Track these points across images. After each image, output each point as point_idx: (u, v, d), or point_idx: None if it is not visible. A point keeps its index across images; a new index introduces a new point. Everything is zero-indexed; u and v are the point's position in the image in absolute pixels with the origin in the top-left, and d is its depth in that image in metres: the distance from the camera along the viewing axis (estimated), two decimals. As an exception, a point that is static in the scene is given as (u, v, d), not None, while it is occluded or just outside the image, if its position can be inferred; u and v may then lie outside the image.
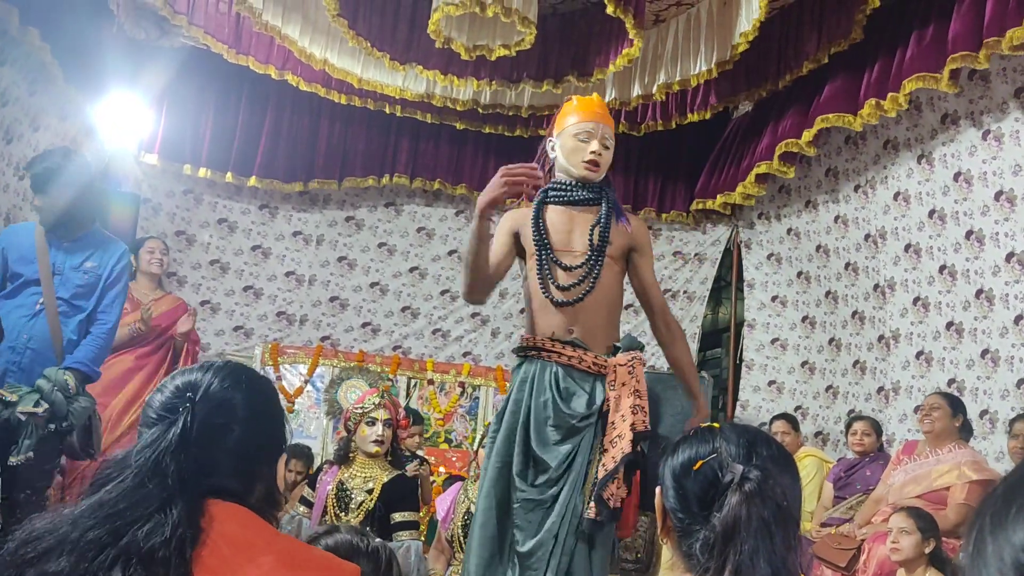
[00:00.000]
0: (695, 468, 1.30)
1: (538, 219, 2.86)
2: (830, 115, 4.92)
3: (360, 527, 2.16)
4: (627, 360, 2.70)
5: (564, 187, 2.88)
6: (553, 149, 2.92)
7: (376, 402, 3.57)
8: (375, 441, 3.48)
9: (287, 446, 1.52)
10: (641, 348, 2.82)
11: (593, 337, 2.75)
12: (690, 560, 1.27)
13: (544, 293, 2.77)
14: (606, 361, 2.70)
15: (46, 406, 3.27)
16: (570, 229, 2.84)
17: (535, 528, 2.59)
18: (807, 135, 5.08)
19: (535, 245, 2.83)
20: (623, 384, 2.66)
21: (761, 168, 5.61)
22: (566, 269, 2.78)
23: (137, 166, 6.48)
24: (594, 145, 2.82)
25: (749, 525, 1.21)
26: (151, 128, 6.35)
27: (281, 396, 6.72)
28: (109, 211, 5.60)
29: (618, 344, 2.78)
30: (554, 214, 2.88)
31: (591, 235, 2.79)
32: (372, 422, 3.52)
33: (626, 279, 2.93)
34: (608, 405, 2.66)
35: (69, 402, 3.37)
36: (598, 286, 2.76)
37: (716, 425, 1.39)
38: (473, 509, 3.60)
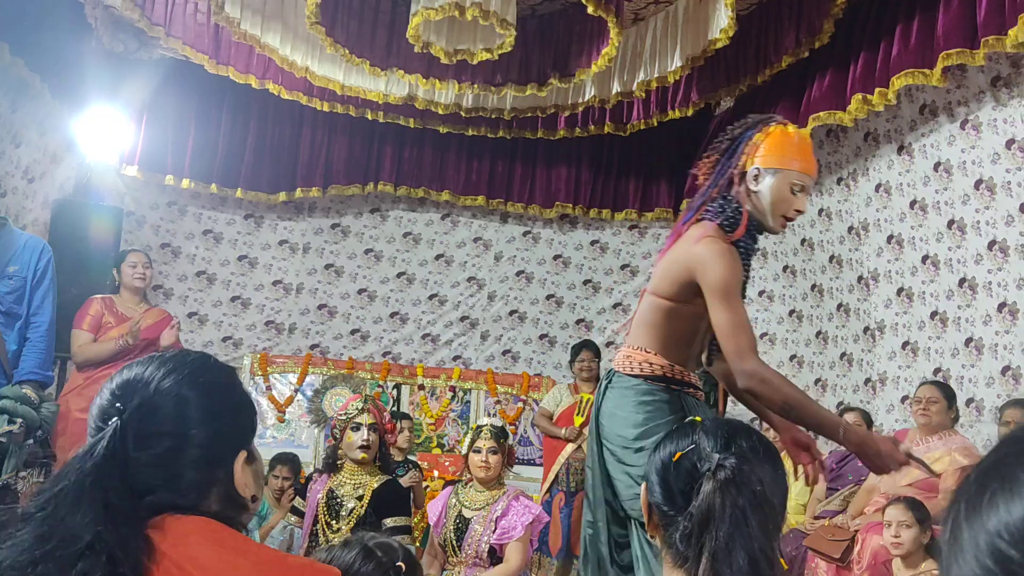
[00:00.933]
0: (675, 460, 1.32)
1: (746, 275, 2.49)
2: (821, 113, 4.92)
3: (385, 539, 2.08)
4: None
5: (749, 242, 2.51)
6: (758, 180, 2.46)
7: (359, 407, 3.56)
8: (361, 446, 3.47)
9: (250, 444, 1.32)
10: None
11: (697, 363, 2.68)
12: (672, 551, 1.29)
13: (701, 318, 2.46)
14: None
15: (20, 421, 3.25)
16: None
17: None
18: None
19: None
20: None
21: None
22: None
23: (119, 179, 6.46)
24: (801, 201, 2.46)
25: (723, 513, 1.22)
26: (132, 140, 6.32)
27: (271, 406, 6.69)
28: (91, 225, 5.58)
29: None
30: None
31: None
32: (357, 427, 3.51)
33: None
34: None
35: (37, 412, 3.36)
36: None
37: (698, 420, 1.41)
38: (465, 513, 3.61)
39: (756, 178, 2.44)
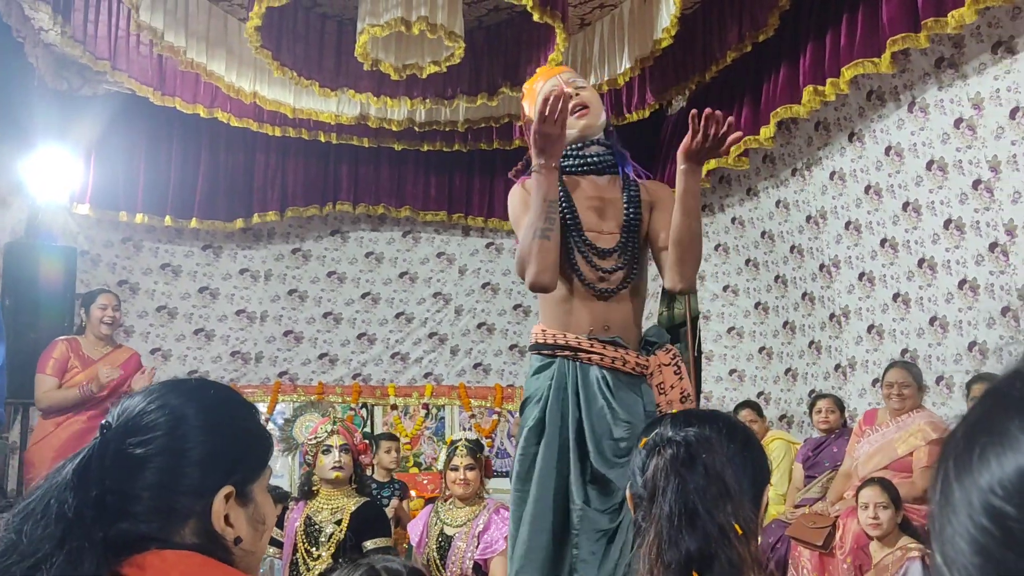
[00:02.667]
0: (640, 446, 1.36)
1: (566, 193, 2.42)
2: (779, 108, 4.95)
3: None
4: (670, 359, 2.37)
5: (571, 152, 2.47)
6: None
7: (329, 429, 3.52)
8: (334, 467, 3.43)
9: (255, 480, 1.17)
10: (669, 341, 2.48)
11: (628, 332, 2.39)
12: (638, 531, 1.32)
13: (583, 282, 2.36)
14: (647, 360, 2.36)
15: None
16: (600, 206, 2.44)
17: (599, 559, 2.21)
18: (766, 131, 5.09)
19: (563, 225, 2.38)
20: (672, 387, 2.34)
21: (711, 164, 5.63)
22: (601, 255, 2.38)
23: (71, 218, 6.34)
24: (566, 91, 2.38)
25: (667, 485, 1.26)
26: (81, 178, 6.21)
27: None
28: (44, 267, 5.46)
29: (651, 339, 2.43)
30: (576, 186, 2.45)
31: (626, 213, 2.41)
32: (328, 450, 3.47)
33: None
34: (660, 411, 2.29)
35: None
36: (638, 271, 2.42)
37: (673, 411, 1.44)
38: (447, 531, 3.56)
39: None
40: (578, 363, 2.33)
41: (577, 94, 2.44)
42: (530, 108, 2.55)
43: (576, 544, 2.23)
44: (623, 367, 2.31)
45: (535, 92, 2.56)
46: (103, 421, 1.12)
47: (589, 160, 2.46)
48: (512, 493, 2.36)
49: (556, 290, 2.38)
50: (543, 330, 2.41)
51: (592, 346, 2.33)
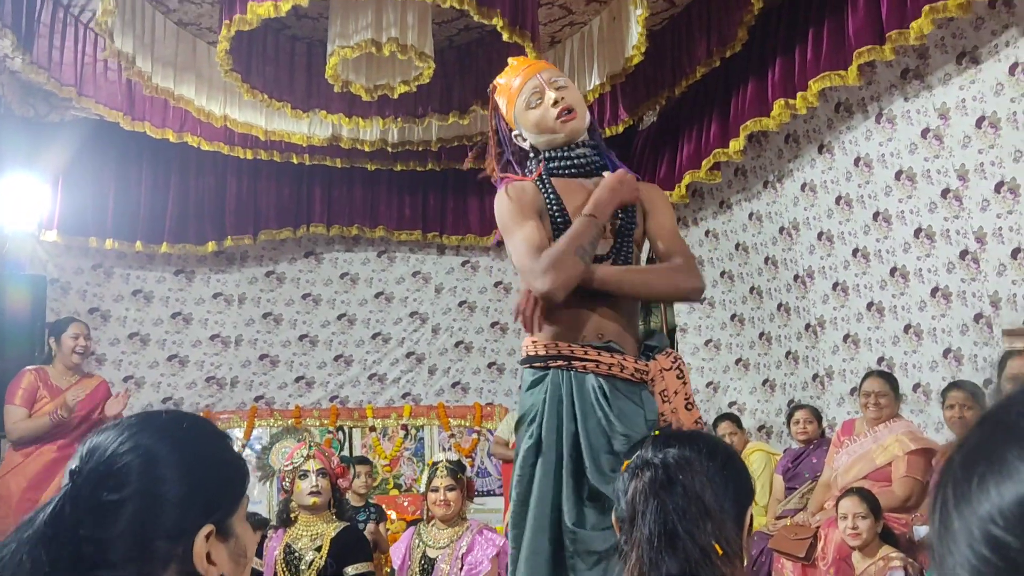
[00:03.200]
0: (623, 470, 1.36)
1: (557, 198, 2.32)
2: (748, 122, 5.00)
3: None
4: (671, 363, 2.25)
5: (559, 154, 2.38)
6: (519, 138, 2.44)
7: (305, 454, 3.49)
8: (311, 492, 3.39)
9: (233, 513, 1.14)
10: (669, 345, 2.36)
11: (624, 338, 2.26)
12: (621, 554, 1.32)
13: (575, 288, 2.23)
14: (646, 366, 2.23)
15: None
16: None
17: None
18: (735, 144, 5.13)
19: (554, 232, 2.29)
20: (675, 392, 2.22)
21: (687, 179, 5.67)
22: (593, 260, 2.26)
23: (39, 246, 6.25)
24: (550, 95, 2.34)
25: (646, 507, 1.26)
26: (49, 205, 6.13)
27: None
28: (11, 296, 5.38)
29: (651, 343, 2.32)
30: (565, 189, 2.35)
31: (619, 217, 2.33)
32: (304, 475, 3.44)
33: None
34: (664, 421, 2.20)
35: None
36: None
37: (656, 432, 1.42)
38: (429, 553, 3.52)
39: (522, 138, 2.44)
40: (572, 372, 2.21)
41: (562, 98, 2.34)
42: (505, 106, 2.45)
43: (572, 567, 2.12)
44: (621, 373, 2.19)
45: (510, 88, 2.42)
46: (72, 467, 1.07)
47: (577, 162, 2.37)
48: (510, 516, 2.26)
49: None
50: (533, 341, 2.28)
51: (587, 353, 2.20)
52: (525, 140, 2.43)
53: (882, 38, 4.09)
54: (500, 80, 2.48)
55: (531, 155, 2.44)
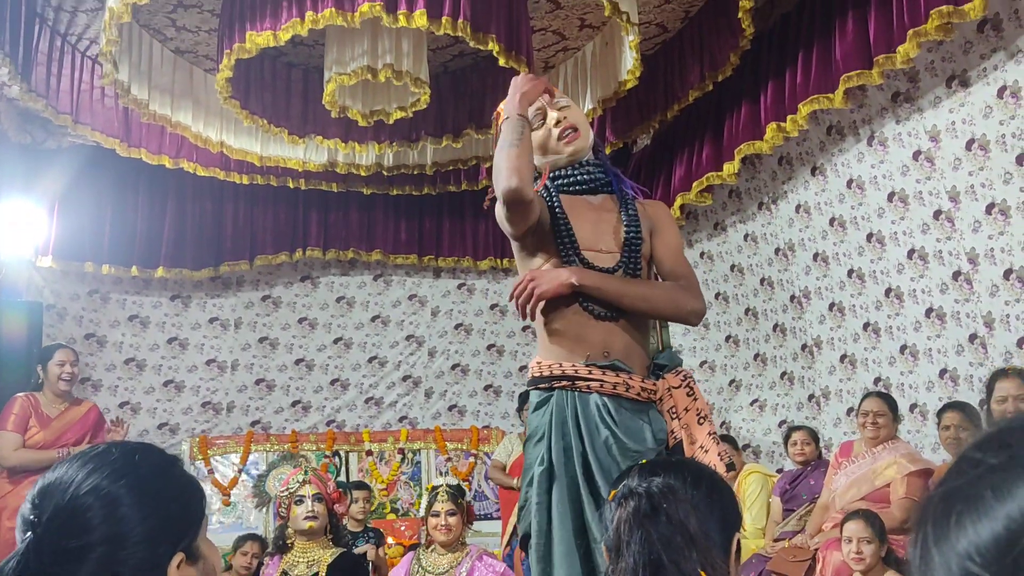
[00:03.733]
0: (609, 499, 1.37)
1: (562, 211, 2.27)
2: (742, 145, 5.05)
3: None
4: (680, 381, 2.21)
5: (565, 172, 2.35)
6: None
7: (301, 479, 3.49)
8: (306, 517, 3.39)
9: (195, 538, 1.15)
10: (681, 363, 2.34)
11: (631, 357, 2.21)
12: None
13: (582, 306, 2.20)
14: (654, 385, 2.19)
15: None
16: (595, 224, 2.30)
17: None
18: (730, 167, 5.18)
19: (558, 244, 2.24)
20: (686, 409, 2.18)
21: (679, 201, 5.71)
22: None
23: (35, 272, 6.25)
24: (552, 115, 2.33)
25: (631, 536, 1.26)
26: (45, 231, 6.14)
27: (215, 490, 6.46)
28: (7, 322, 5.37)
29: (661, 362, 2.27)
30: (571, 204, 2.31)
31: (627, 231, 2.29)
32: (300, 500, 3.44)
33: None
34: (675, 438, 2.16)
35: None
36: None
37: (644, 462, 1.44)
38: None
39: None
40: (576, 393, 2.17)
41: (564, 117, 2.32)
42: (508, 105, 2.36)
43: None
44: (626, 393, 2.13)
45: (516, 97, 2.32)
46: (27, 515, 1.05)
47: (582, 179, 2.34)
48: (534, 550, 2.18)
49: (552, 318, 2.23)
50: (539, 363, 2.25)
51: (591, 373, 2.15)
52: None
53: (870, 62, 4.16)
54: (502, 106, 2.42)
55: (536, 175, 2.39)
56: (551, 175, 2.35)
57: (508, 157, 2.11)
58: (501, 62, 4.52)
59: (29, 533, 1.03)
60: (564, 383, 2.18)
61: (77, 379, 4.81)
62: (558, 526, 2.12)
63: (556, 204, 2.28)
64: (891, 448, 4.14)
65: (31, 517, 1.04)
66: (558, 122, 2.31)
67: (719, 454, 2.10)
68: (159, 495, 1.11)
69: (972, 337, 4.26)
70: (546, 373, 2.22)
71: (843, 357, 5.20)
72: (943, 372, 4.47)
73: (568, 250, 2.23)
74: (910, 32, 3.86)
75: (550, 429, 2.18)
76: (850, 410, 5.10)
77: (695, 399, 2.19)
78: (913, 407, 4.65)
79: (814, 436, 4.95)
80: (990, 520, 0.51)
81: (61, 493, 1.05)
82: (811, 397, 5.50)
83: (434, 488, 3.65)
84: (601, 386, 2.14)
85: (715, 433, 2.19)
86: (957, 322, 4.34)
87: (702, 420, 2.18)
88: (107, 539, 1.04)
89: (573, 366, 2.18)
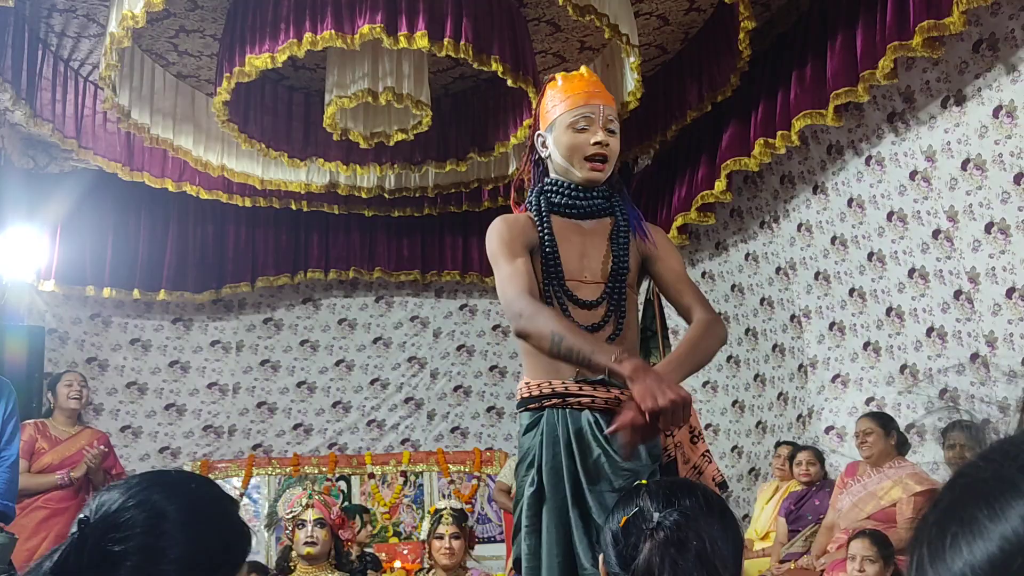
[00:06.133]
0: (621, 526, 1.32)
1: (551, 238, 2.24)
2: (729, 160, 5.10)
3: None
4: None
5: (566, 192, 2.28)
6: (545, 146, 2.31)
7: (304, 503, 3.49)
8: (306, 542, 3.38)
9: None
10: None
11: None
12: None
13: (571, 320, 2.17)
14: None
15: None
16: (582, 252, 2.26)
17: None
18: (719, 185, 5.22)
19: (544, 270, 2.23)
20: (678, 427, 2.12)
21: (679, 221, 5.73)
22: (583, 305, 2.21)
23: (37, 296, 6.26)
24: (598, 135, 2.23)
25: (662, 571, 1.22)
26: (47, 255, 6.16)
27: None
28: (9, 347, 5.38)
29: None
30: (562, 229, 2.26)
31: (615, 258, 2.26)
32: (302, 524, 3.43)
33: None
34: (668, 456, 2.13)
35: None
36: (625, 324, 2.23)
37: (644, 482, 1.40)
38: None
39: (543, 144, 2.31)
40: (567, 410, 2.12)
41: (606, 144, 2.25)
42: (550, 103, 2.31)
43: None
44: (618, 408, 2.03)
45: (567, 94, 2.29)
46: (81, 515, 1.09)
47: (579, 206, 2.28)
48: (526, 572, 2.15)
49: None
50: (527, 383, 2.21)
51: (581, 389, 2.11)
52: (546, 148, 2.31)
53: (856, 79, 4.23)
54: (560, 80, 2.33)
55: (538, 170, 2.36)
56: (550, 188, 2.29)
57: (540, 340, 2.00)
58: (509, 82, 4.54)
59: (76, 531, 1.06)
60: (555, 401, 2.15)
61: (87, 400, 4.84)
62: (546, 548, 2.09)
63: (546, 230, 2.24)
64: (897, 468, 4.13)
65: (83, 515, 1.08)
66: (596, 145, 2.23)
67: (712, 477, 2.10)
68: (205, 524, 1.13)
69: (974, 357, 4.25)
70: (535, 393, 2.18)
71: (836, 377, 5.20)
72: (943, 392, 4.45)
73: (552, 280, 2.21)
74: (889, 47, 3.93)
75: (540, 451, 2.15)
76: (830, 428, 5.12)
77: (689, 415, 2.14)
78: (910, 427, 4.62)
79: (819, 456, 4.93)
80: (985, 541, 0.51)
81: (115, 500, 1.09)
82: (799, 417, 5.51)
83: (437, 511, 3.64)
84: (592, 402, 2.11)
85: (708, 452, 2.17)
86: (959, 341, 4.34)
87: (695, 439, 2.16)
88: (144, 549, 1.06)
89: (563, 383, 2.14)
